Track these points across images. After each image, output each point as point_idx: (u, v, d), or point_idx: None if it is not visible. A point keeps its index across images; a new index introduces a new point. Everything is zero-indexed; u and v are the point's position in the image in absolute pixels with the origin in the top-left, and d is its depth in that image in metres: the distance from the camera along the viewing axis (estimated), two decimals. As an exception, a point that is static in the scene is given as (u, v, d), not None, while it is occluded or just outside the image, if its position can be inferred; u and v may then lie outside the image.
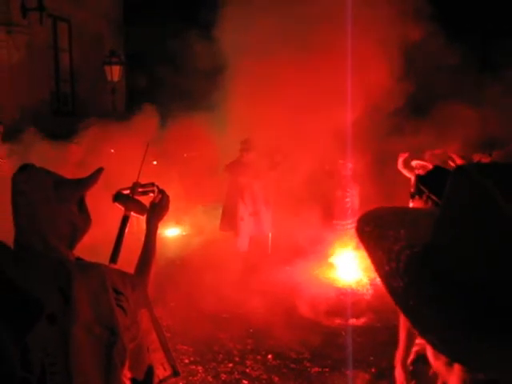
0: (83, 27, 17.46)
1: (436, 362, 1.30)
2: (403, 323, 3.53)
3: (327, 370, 5.95)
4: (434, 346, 1.02)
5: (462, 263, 1.02)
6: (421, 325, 1.04)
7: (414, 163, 9.11)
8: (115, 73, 15.04)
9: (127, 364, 2.15)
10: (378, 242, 1.15)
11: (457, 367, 1.19)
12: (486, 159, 5.81)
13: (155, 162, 10.30)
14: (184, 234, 12.21)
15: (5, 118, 12.73)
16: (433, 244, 1.09)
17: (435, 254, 1.07)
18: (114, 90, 15.25)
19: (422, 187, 3.79)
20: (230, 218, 10.13)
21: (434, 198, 3.65)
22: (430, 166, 9.15)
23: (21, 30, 14.75)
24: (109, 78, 15.12)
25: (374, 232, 1.18)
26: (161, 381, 2.50)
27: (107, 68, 15.07)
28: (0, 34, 14.42)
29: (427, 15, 9.94)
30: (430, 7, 9.99)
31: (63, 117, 16.99)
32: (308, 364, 6.09)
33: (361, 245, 1.18)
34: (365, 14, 9.88)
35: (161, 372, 2.50)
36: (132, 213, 2.61)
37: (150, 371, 2.36)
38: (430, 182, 3.73)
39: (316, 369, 5.96)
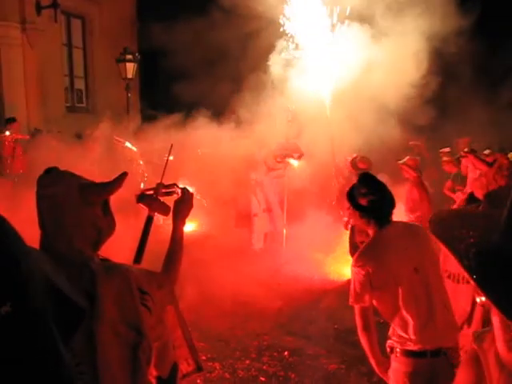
0: (97, 24, 17.52)
1: (509, 354, 1.36)
2: (359, 326, 3.56)
3: (343, 366, 5.94)
4: None
5: None
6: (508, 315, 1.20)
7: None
8: (129, 70, 15.05)
9: (153, 362, 2.17)
10: (447, 243, 1.34)
11: None
12: (504, 159, 5.80)
13: (171, 158, 10.31)
14: (199, 230, 12.20)
15: (19, 116, 12.83)
16: (503, 244, 1.25)
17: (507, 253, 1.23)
18: (128, 86, 15.26)
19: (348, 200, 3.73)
20: (244, 215, 10.18)
21: (357, 212, 3.63)
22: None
23: (35, 27, 14.82)
24: (123, 75, 15.14)
25: (443, 233, 1.38)
26: (184, 375, 2.54)
27: (121, 65, 15.08)
28: (14, 32, 14.49)
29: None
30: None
31: (78, 113, 17.09)
32: (324, 361, 6.09)
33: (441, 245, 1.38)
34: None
35: (184, 367, 2.53)
36: (156, 213, 2.63)
37: (174, 369, 2.38)
38: (350, 196, 3.68)
39: (333, 366, 5.95)
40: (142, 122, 11.78)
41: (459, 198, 5.83)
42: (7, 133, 11.32)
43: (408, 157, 7.87)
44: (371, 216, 3.55)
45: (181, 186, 2.73)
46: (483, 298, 1.25)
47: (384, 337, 3.64)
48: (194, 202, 2.70)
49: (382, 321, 3.73)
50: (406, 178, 7.94)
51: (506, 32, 15.06)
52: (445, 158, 11.04)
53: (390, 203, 3.62)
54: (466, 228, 1.34)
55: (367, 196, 3.54)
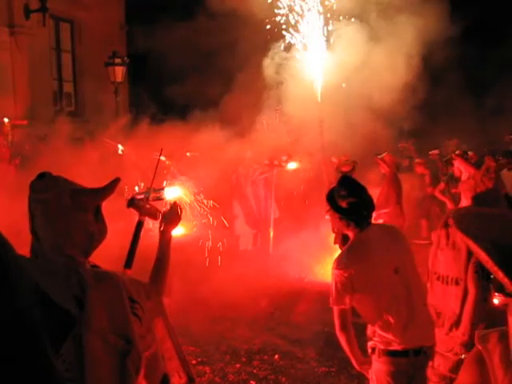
0: (86, 28, 17.45)
1: None
2: (337, 326, 3.59)
3: (334, 369, 5.94)
4: None
5: None
6: None
7: None
8: (118, 73, 15.00)
9: (142, 372, 2.15)
10: (468, 240, 1.44)
11: None
12: (491, 162, 5.85)
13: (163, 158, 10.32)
14: (187, 233, 12.14)
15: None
16: None
17: None
18: (117, 90, 15.22)
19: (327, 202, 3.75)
20: (228, 216, 10.31)
21: (337, 214, 3.66)
22: None
23: (24, 31, 14.75)
24: (112, 78, 15.09)
25: (468, 231, 1.48)
26: None
27: (110, 69, 15.04)
28: (3, 36, 14.41)
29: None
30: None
31: (66, 117, 16.99)
32: (314, 364, 6.10)
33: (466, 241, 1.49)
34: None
35: (176, 380, 2.51)
36: (146, 217, 2.63)
37: (165, 380, 2.36)
38: (330, 198, 3.70)
39: (323, 369, 5.96)
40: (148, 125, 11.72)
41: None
42: (6, 119, 11.19)
43: (386, 152, 8.00)
44: (351, 218, 3.58)
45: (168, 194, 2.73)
46: (499, 299, 1.33)
47: (363, 337, 3.67)
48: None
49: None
50: (383, 173, 8.12)
51: (494, 41, 15.26)
52: (417, 160, 11.40)
53: (369, 206, 3.65)
54: (485, 227, 1.46)
55: (347, 198, 3.56)
